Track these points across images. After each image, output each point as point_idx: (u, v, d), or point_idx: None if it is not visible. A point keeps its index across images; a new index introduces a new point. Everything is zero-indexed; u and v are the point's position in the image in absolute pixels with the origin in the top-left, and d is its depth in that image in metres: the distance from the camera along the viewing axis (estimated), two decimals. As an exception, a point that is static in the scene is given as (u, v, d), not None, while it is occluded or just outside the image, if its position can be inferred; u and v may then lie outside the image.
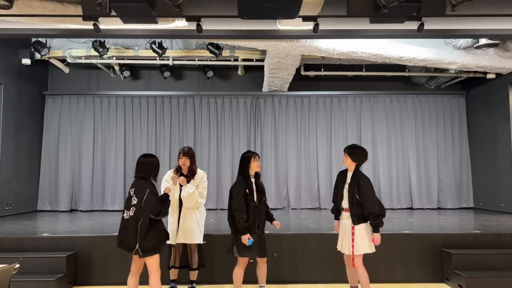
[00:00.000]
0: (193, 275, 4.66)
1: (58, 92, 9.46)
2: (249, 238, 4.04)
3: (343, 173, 4.24)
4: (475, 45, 6.95)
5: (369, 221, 4.00)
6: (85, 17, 4.39)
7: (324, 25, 4.77)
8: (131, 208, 3.72)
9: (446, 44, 7.18)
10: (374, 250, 4.03)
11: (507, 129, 8.16)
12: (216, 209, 9.19)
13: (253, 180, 4.27)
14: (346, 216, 4.08)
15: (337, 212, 4.26)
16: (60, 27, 5.03)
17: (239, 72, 9.25)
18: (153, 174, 3.87)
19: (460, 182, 9.45)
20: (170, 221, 4.50)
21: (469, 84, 9.52)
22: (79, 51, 8.17)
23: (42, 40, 7.95)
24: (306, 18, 4.54)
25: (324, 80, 9.47)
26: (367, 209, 3.93)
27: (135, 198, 3.73)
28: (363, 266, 4.02)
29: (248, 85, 9.73)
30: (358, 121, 9.57)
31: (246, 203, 4.10)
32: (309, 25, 4.65)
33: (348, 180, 4.11)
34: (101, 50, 7.63)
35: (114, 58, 8.30)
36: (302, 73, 8.95)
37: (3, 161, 7.79)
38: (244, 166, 4.25)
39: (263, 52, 7.97)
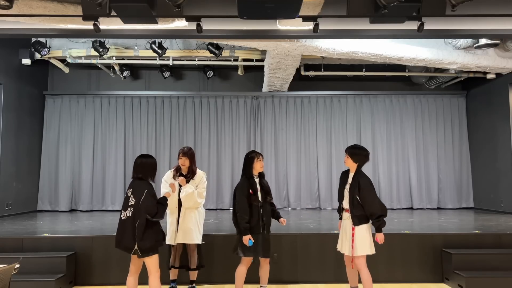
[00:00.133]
0: (193, 275, 4.66)
1: (58, 92, 9.46)
2: (249, 239, 4.04)
3: (345, 174, 4.23)
4: (475, 45, 6.95)
5: (370, 222, 3.99)
6: (85, 17, 4.39)
7: (324, 25, 4.77)
8: (129, 209, 3.72)
9: (446, 44, 7.18)
10: (374, 252, 4.01)
11: (507, 129, 8.16)
12: (216, 209, 9.19)
13: (257, 180, 4.27)
14: (346, 217, 4.08)
15: (340, 211, 4.26)
16: (60, 27, 5.03)
17: (239, 72, 9.25)
18: (151, 174, 3.86)
19: (460, 182, 9.45)
20: (169, 221, 4.50)
21: (469, 84, 9.52)
22: (79, 51, 8.17)
23: (42, 40, 7.95)
24: (306, 18, 4.54)
25: (324, 80, 9.47)
26: (368, 210, 3.92)
27: (133, 199, 3.73)
28: (366, 268, 3.99)
29: (248, 85, 9.74)
30: (358, 121, 9.57)
31: (250, 203, 4.11)
32: (309, 25, 4.65)
33: (350, 180, 4.09)
34: (101, 50, 7.63)
35: (114, 58, 8.30)
36: (302, 73, 8.95)
37: (3, 161, 7.79)
38: (247, 166, 4.26)
39: (263, 52, 7.97)
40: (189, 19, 4.67)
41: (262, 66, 8.41)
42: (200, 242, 4.54)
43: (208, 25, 4.85)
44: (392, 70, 8.92)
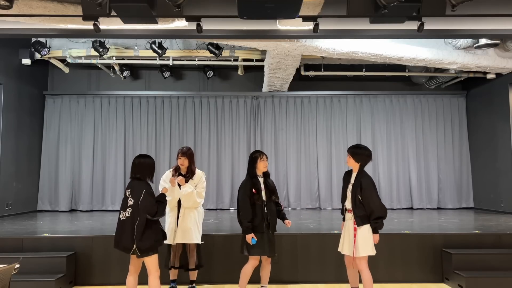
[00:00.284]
0: (193, 275, 4.66)
1: (58, 92, 9.46)
2: (252, 238, 4.07)
3: (348, 174, 4.22)
4: (475, 45, 6.95)
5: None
6: (85, 17, 4.39)
7: (324, 25, 4.77)
8: (127, 209, 3.72)
9: (446, 44, 7.18)
10: (375, 253, 3.99)
11: (507, 129, 8.16)
12: (216, 209, 9.19)
13: (261, 179, 4.29)
14: (349, 217, 4.07)
15: (343, 213, 4.24)
16: (60, 27, 5.03)
17: (239, 72, 9.25)
18: (149, 174, 3.86)
19: (460, 182, 9.45)
20: (169, 221, 4.49)
21: (469, 84, 9.52)
22: (79, 51, 8.17)
23: (42, 40, 7.95)
24: (306, 18, 4.54)
25: (324, 80, 9.47)
26: (368, 210, 3.92)
27: (131, 199, 3.73)
28: (368, 269, 3.98)
29: (248, 85, 9.74)
30: (358, 121, 9.57)
31: (253, 202, 4.14)
32: (309, 25, 4.65)
33: (352, 180, 4.08)
34: (101, 50, 7.63)
35: (114, 58, 8.30)
36: (302, 73, 8.95)
37: (3, 161, 7.79)
38: (251, 166, 4.30)
39: (263, 52, 7.97)
40: (189, 19, 4.67)
41: (262, 66, 8.41)
42: (199, 242, 4.54)
43: (208, 25, 4.85)
44: (392, 70, 8.92)
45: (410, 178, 9.43)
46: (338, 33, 5.32)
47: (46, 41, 8.02)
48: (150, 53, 7.97)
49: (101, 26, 4.55)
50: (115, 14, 4.23)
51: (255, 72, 9.48)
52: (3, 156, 7.78)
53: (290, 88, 9.29)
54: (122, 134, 9.40)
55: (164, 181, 4.52)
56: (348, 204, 4.07)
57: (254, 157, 4.29)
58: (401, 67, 8.76)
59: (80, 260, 5.09)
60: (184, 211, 4.45)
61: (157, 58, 8.24)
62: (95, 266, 5.10)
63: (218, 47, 7.74)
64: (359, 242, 3.93)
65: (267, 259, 4.31)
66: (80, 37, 6.70)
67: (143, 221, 3.65)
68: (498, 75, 8.30)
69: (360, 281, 4.14)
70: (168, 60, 8.39)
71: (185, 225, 4.42)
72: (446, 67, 7.65)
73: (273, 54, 6.94)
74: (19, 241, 5.17)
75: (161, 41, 7.72)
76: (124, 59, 8.50)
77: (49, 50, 8.02)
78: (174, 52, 8.17)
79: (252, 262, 4.21)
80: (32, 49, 8.05)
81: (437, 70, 8.69)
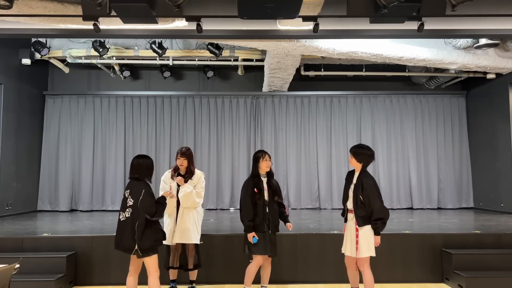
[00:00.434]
0: (193, 275, 4.66)
1: (58, 92, 9.46)
2: (253, 236, 4.08)
3: (351, 174, 4.19)
4: (475, 45, 6.95)
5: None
6: (85, 17, 4.39)
7: (324, 25, 4.77)
8: (127, 210, 3.72)
9: (446, 44, 7.18)
10: (374, 254, 3.96)
11: (507, 129, 8.16)
12: (216, 209, 9.19)
13: (264, 179, 4.30)
14: (351, 218, 4.04)
15: (345, 214, 4.22)
16: (60, 27, 5.03)
17: (239, 72, 9.25)
18: (147, 175, 3.86)
19: (460, 182, 9.45)
20: (167, 221, 4.49)
21: (469, 84, 9.52)
22: (79, 51, 8.17)
23: (42, 40, 7.95)
24: (306, 18, 4.54)
25: (324, 80, 9.47)
26: (368, 211, 3.89)
27: (131, 199, 3.72)
28: (370, 269, 3.95)
29: (248, 85, 9.74)
30: (358, 121, 9.57)
31: (254, 201, 4.17)
32: (309, 25, 4.65)
33: (354, 181, 4.06)
34: (101, 50, 7.63)
35: (114, 58, 8.30)
36: (302, 73, 8.95)
37: (3, 161, 7.79)
38: (253, 165, 4.35)
39: (263, 52, 7.97)
40: (189, 19, 4.67)
41: (262, 66, 8.41)
42: (198, 242, 4.54)
43: (208, 25, 4.85)
44: (392, 70, 8.92)
45: (410, 178, 9.43)
46: (338, 33, 5.32)
47: (46, 41, 8.02)
48: (150, 53, 7.97)
49: (101, 26, 4.55)
50: (115, 14, 4.23)
51: (255, 72, 9.48)
52: (3, 156, 7.78)
53: (290, 88, 9.29)
54: (122, 134, 9.40)
55: (164, 181, 4.52)
56: (350, 205, 4.05)
57: (257, 157, 4.33)
58: (401, 67, 8.76)
59: (80, 260, 5.09)
60: (183, 211, 4.45)
61: (157, 58, 8.24)
62: (95, 266, 5.10)
63: (218, 47, 7.73)
64: (361, 243, 3.90)
65: (268, 259, 4.32)
66: (80, 37, 6.70)
67: (143, 221, 3.65)
68: (498, 75, 8.30)
69: (361, 281, 4.14)
70: (168, 60, 8.39)
71: (184, 225, 4.42)
72: (446, 67, 7.65)
73: (273, 54, 6.94)
74: (19, 241, 5.17)
75: (161, 41, 7.72)
76: (124, 59, 8.50)
77: (49, 50, 8.02)
78: (174, 52, 8.17)
79: (257, 262, 4.22)
80: (32, 49, 8.05)
81: (437, 70, 8.69)
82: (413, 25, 4.64)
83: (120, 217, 3.76)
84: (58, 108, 9.38)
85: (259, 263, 4.23)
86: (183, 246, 4.59)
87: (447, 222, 6.81)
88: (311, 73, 8.99)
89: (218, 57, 7.89)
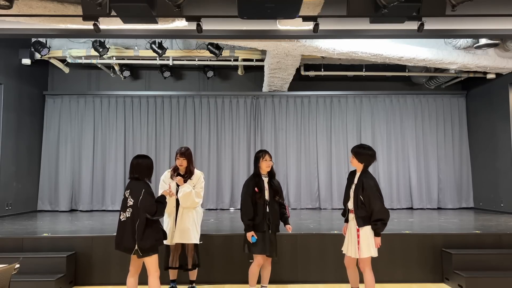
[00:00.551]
0: (193, 275, 4.66)
1: (58, 92, 9.46)
2: (252, 236, 4.09)
3: (352, 174, 4.18)
4: (475, 45, 6.95)
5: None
6: (85, 17, 4.39)
7: (324, 25, 4.77)
8: (127, 210, 3.72)
9: (446, 44, 7.18)
10: (376, 255, 3.94)
11: (507, 129, 8.16)
12: (216, 209, 9.19)
13: (265, 179, 4.32)
14: (351, 218, 4.02)
15: (345, 214, 4.21)
16: (60, 27, 5.03)
17: (239, 72, 9.25)
18: (147, 175, 3.86)
19: (460, 182, 9.45)
20: (167, 221, 4.49)
21: (469, 84, 9.52)
22: (79, 51, 8.17)
23: (42, 40, 7.95)
24: (306, 18, 4.54)
25: (324, 80, 9.47)
26: (368, 212, 3.87)
27: (131, 199, 3.72)
28: (371, 270, 3.94)
29: (248, 85, 9.74)
30: (358, 121, 9.57)
31: (255, 201, 4.18)
32: (309, 25, 4.65)
33: (355, 181, 4.05)
34: (101, 50, 7.63)
35: (114, 58, 8.30)
36: (302, 73, 8.95)
37: (3, 161, 7.79)
38: (254, 165, 4.39)
39: (263, 52, 7.97)
40: (189, 19, 4.67)
41: (262, 66, 8.41)
42: (197, 242, 4.54)
43: (208, 25, 4.84)
44: (392, 70, 8.92)
45: (410, 178, 9.43)
46: (338, 33, 5.31)
47: (46, 41, 8.02)
48: (150, 53, 7.97)
49: (101, 26, 4.55)
50: (115, 14, 4.23)
51: (255, 72, 9.48)
52: (3, 156, 7.78)
53: (290, 88, 9.29)
54: (122, 134, 9.40)
55: (163, 181, 4.52)
56: (351, 205, 4.04)
57: (257, 157, 4.36)
58: (401, 67, 8.76)
59: (80, 260, 5.09)
60: (183, 211, 4.45)
61: (157, 58, 8.24)
62: (95, 266, 5.10)
63: (218, 47, 7.73)
64: (362, 244, 3.88)
65: (268, 259, 4.32)
66: (80, 37, 6.70)
67: (143, 220, 3.65)
68: (498, 75, 8.30)
69: (361, 281, 4.13)
70: (168, 60, 8.39)
71: (184, 225, 4.42)
72: (446, 67, 7.65)
73: (273, 54, 6.94)
74: (19, 241, 5.17)
75: (161, 41, 7.72)
76: (124, 59, 8.50)
77: (49, 50, 8.02)
78: (174, 52, 8.17)
79: (257, 261, 4.23)
80: (32, 49, 8.05)
81: (437, 70, 8.69)
82: (413, 25, 4.64)
83: (121, 217, 3.76)
84: (58, 108, 9.38)
85: (259, 262, 4.23)
86: (183, 246, 4.59)
87: (447, 222, 6.81)
88: (311, 73, 8.99)
89: (218, 57, 7.89)
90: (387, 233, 5.04)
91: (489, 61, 7.36)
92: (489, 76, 8.35)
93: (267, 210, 4.21)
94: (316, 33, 4.68)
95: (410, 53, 6.95)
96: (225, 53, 8.11)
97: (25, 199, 8.66)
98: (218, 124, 9.52)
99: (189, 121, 9.51)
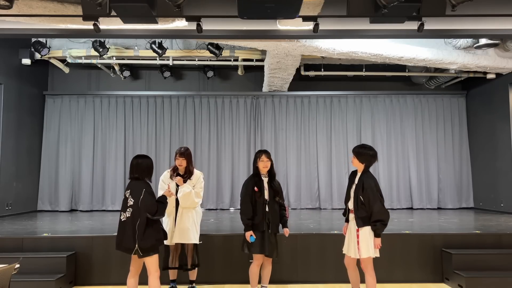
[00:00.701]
0: (193, 275, 4.66)
1: (58, 92, 9.46)
2: (251, 235, 4.09)
3: (354, 174, 4.17)
4: (475, 45, 6.95)
5: None
6: (85, 17, 4.39)
7: (324, 25, 4.77)
8: (128, 210, 3.72)
9: (446, 44, 7.18)
10: (378, 255, 3.93)
11: (507, 129, 8.16)
12: (216, 209, 9.19)
13: (265, 179, 4.32)
14: (352, 218, 4.01)
15: (346, 214, 4.20)
16: (60, 27, 5.03)
17: (239, 72, 9.24)
18: (147, 175, 3.86)
19: (460, 182, 9.45)
20: (167, 221, 4.49)
21: (469, 84, 9.52)
22: (79, 51, 8.17)
23: (42, 40, 7.95)
24: (306, 18, 4.54)
25: (324, 80, 9.47)
26: (368, 212, 3.87)
27: (131, 199, 3.73)
28: (373, 270, 3.92)
29: (248, 85, 9.74)
30: (358, 121, 9.57)
31: (254, 200, 4.19)
32: (309, 25, 4.65)
33: (356, 181, 4.04)
34: (101, 50, 7.62)
35: (114, 58, 8.30)
36: (302, 73, 8.95)
37: (3, 161, 7.79)
38: (253, 165, 4.40)
39: (263, 52, 7.97)
40: (189, 19, 4.67)
41: (262, 66, 8.41)
42: (197, 242, 4.54)
43: (208, 25, 4.85)
44: (392, 70, 8.92)
45: (410, 178, 9.43)
46: (338, 33, 5.32)
47: (46, 41, 8.02)
48: (150, 53, 7.97)
49: (101, 26, 4.55)
50: (115, 14, 4.23)
51: (255, 72, 9.48)
52: (3, 156, 7.78)
53: (290, 88, 9.29)
54: (122, 134, 9.40)
55: (163, 181, 4.52)
56: (351, 205, 4.03)
57: (255, 157, 4.37)
58: (401, 67, 8.76)
59: (80, 260, 5.09)
60: (182, 211, 4.45)
61: (157, 58, 8.24)
62: (95, 266, 5.10)
63: (218, 47, 7.73)
64: (362, 244, 3.87)
65: (268, 259, 4.32)
66: (80, 37, 6.70)
67: (144, 220, 3.66)
68: (498, 75, 8.30)
69: (362, 282, 4.13)
70: (168, 60, 8.39)
71: (183, 225, 4.42)
72: (446, 67, 7.65)
73: (273, 54, 6.94)
74: (19, 241, 5.17)
75: (161, 41, 7.72)
76: (124, 59, 8.50)
77: (49, 50, 8.02)
78: (174, 52, 8.17)
79: (256, 261, 4.24)
80: (32, 49, 8.05)
81: (437, 70, 8.69)
82: (413, 25, 4.64)
83: (121, 218, 3.76)
84: (58, 108, 9.38)
85: (259, 262, 4.24)
86: (182, 246, 4.59)
87: (447, 222, 6.81)
88: (311, 73, 8.99)
89: (218, 57, 7.89)
90: (387, 233, 5.03)
91: (489, 61, 7.37)
92: (489, 76, 8.35)
93: (267, 209, 4.21)
94: (316, 33, 4.68)
95: (410, 53, 6.95)
96: (225, 53, 8.11)
97: (25, 199, 8.65)
98: (218, 124, 9.52)
99: (189, 121, 9.51)
